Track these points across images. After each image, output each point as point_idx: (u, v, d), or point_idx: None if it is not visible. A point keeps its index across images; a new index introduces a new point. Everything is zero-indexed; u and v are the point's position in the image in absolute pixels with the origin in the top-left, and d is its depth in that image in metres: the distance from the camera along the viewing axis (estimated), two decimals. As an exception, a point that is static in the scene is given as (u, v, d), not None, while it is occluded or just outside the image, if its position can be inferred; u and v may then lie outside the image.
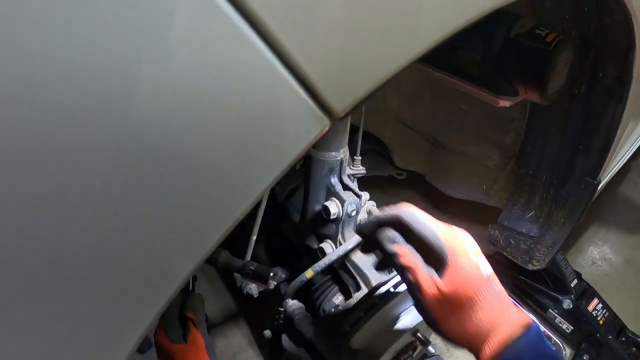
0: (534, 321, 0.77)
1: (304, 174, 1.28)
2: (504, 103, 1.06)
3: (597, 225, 2.88)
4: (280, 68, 0.51)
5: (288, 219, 1.54)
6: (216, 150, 0.51)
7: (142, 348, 1.96)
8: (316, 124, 0.57)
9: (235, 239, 1.49)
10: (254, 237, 1.32)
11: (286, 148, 0.56)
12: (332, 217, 1.20)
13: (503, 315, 0.75)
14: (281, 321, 1.29)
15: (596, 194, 1.65)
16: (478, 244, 0.81)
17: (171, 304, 1.13)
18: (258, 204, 1.31)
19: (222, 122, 0.50)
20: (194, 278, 1.39)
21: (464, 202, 2.14)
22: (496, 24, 1.00)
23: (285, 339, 1.28)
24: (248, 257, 1.35)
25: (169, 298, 0.56)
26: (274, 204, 1.58)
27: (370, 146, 2.11)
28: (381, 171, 2.24)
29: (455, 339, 0.80)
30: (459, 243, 0.79)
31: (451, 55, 1.06)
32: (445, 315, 0.78)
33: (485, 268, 0.78)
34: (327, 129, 0.58)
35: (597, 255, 2.73)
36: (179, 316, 1.16)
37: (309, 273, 1.19)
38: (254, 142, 0.53)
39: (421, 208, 0.87)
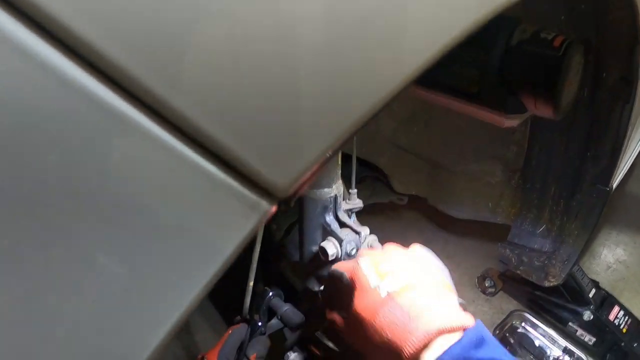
0: (471, 326, 0.74)
1: (297, 213, 1.19)
2: (511, 122, 0.95)
3: (608, 228, 2.82)
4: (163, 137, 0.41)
5: (287, 257, 1.45)
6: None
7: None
8: (249, 213, 0.46)
9: (233, 284, 1.42)
10: (251, 283, 1.25)
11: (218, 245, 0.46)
12: (330, 259, 1.11)
13: (408, 331, 0.73)
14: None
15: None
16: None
17: (235, 337, 1.16)
18: (252, 248, 1.23)
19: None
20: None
21: (470, 221, 2.07)
22: (494, 32, 0.88)
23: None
24: (246, 303, 1.27)
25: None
26: (271, 244, 1.50)
27: (366, 173, 2.03)
28: (381, 198, 2.16)
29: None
30: (358, 270, 0.84)
31: (445, 73, 0.95)
32: (357, 340, 0.84)
33: (387, 287, 0.79)
34: (271, 212, 0.47)
35: (611, 259, 2.66)
36: (239, 353, 1.17)
37: None
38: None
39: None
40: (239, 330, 1.22)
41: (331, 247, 1.11)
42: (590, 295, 2.06)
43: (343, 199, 1.18)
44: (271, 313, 1.24)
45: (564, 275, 1.72)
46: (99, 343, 0.44)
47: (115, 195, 0.40)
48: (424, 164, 1.97)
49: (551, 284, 1.76)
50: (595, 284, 2.12)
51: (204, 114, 0.41)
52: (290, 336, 1.15)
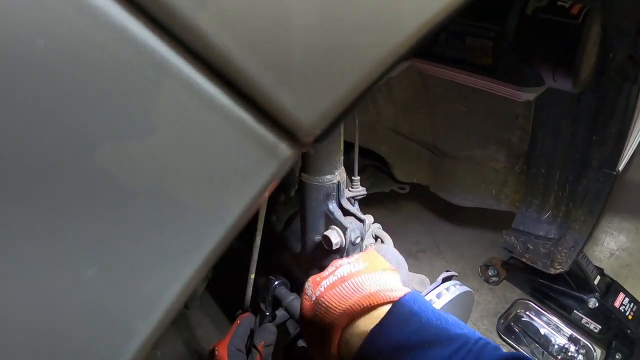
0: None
1: (299, 201, 1.16)
2: (529, 96, 0.91)
3: (610, 215, 2.81)
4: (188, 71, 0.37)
5: (288, 249, 1.42)
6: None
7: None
8: (269, 158, 0.42)
9: (234, 275, 1.39)
10: (252, 276, 1.22)
11: (229, 198, 0.42)
12: (334, 248, 1.08)
13: (331, 319, 0.80)
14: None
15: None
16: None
17: (244, 327, 1.15)
18: (252, 241, 1.20)
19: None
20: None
21: (472, 210, 2.05)
22: (508, 0, 0.85)
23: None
24: (248, 296, 1.24)
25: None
26: (271, 235, 1.46)
27: (367, 162, 2.00)
28: (382, 187, 2.13)
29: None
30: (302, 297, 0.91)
31: (457, 46, 0.91)
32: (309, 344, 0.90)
33: (316, 292, 0.86)
34: (291, 161, 0.43)
35: (614, 246, 2.65)
36: (248, 343, 1.17)
37: None
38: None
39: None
40: (247, 320, 1.20)
41: (335, 235, 1.08)
42: (595, 282, 2.03)
43: (346, 187, 1.15)
44: (276, 303, 1.21)
45: (570, 262, 1.69)
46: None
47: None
48: (425, 151, 1.94)
49: (557, 271, 1.73)
50: (600, 271, 2.09)
51: (232, 37, 0.37)
52: (295, 329, 1.12)
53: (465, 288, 1.18)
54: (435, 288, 1.13)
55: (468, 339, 0.72)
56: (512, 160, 1.73)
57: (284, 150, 0.42)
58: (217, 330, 2.04)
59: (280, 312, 1.20)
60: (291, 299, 1.18)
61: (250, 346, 1.17)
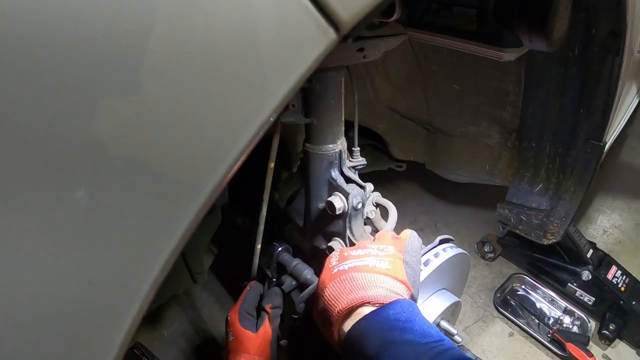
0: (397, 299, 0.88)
1: (302, 171, 1.21)
2: (509, 56, 1.00)
3: (602, 194, 2.87)
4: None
5: (291, 222, 1.47)
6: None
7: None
8: (321, 36, 0.51)
9: (240, 248, 1.45)
10: (259, 246, 1.27)
11: (290, 62, 0.51)
12: (337, 213, 1.14)
13: (339, 301, 0.89)
14: (297, 329, 1.23)
15: (603, 157, 1.61)
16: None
17: (252, 293, 1.22)
18: (258, 213, 1.25)
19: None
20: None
21: (467, 190, 2.10)
22: None
23: (302, 345, 1.22)
24: (255, 266, 1.30)
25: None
26: (274, 212, 1.52)
27: (366, 141, 2.05)
28: (380, 165, 2.18)
29: (324, 332, 0.96)
30: (329, 255, 1.02)
31: (445, 15, 1.00)
32: (317, 315, 0.98)
33: (339, 267, 0.95)
34: (333, 44, 0.52)
35: (607, 224, 2.70)
36: (257, 306, 1.23)
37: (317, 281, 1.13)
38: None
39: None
40: (256, 286, 1.26)
41: (338, 201, 1.14)
42: (588, 255, 2.09)
43: (346, 158, 1.21)
44: (281, 269, 1.27)
45: (562, 232, 1.74)
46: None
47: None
48: (421, 129, 2.00)
49: (550, 242, 1.78)
50: (593, 245, 2.15)
51: None
52: (299, 297, 1.17)
53: (461, 250, 1.24)
54: (432, 248, 1.19)
55: (443, 339, 0.81)
56: (504, 136, 1.78)
57: (332, 34, 0.51)
58: (222, 309, 2.09)
59: (286, 280, 1.26)
60: (295, 264, 1.24)
61: (259, 309, 1.23)
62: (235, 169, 0.52)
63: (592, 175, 1.62)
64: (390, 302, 0.87)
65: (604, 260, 2.12)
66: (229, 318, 1.21)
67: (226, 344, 1.20)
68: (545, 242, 1.79)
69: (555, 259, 2.15)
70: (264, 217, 1.24)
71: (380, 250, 0.99)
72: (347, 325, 0.88)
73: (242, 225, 1.64)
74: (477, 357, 1.11)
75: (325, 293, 0.93)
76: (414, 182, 2.88)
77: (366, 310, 0.88)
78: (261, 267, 1.30)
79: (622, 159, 3.13)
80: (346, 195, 1.14)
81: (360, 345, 0.83)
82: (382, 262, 0.95)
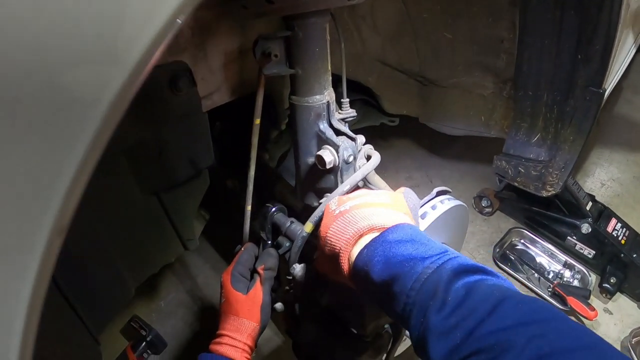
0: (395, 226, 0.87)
1: (289, 126, 1.16)
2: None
3: (600, 147, 2.85)
4: None
5: (283, 183, 1.43)
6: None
7: (158, 350, 1.90)
8: None
9: (232, 212, 1.40)
10: (249, 207, 1.22)
11: None
12: (328, 167, 1.09)
13: (344, 233, 0.89)
14: (292, 290, 1.19)
15: (602, 105, 1.56)
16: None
17: (246, 255, 1.18)
18: (246, 172, 1.20)
19: None
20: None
21: (462, 144, 2.06)
22: None
23: (299, 309, 1.18)
24: (246, 229, 1.25)
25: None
26: (265, 172, 1.47)
27: (356, 96, 1.99)
28: (372, 121, 2.12)
29: (332, 275, 0.97)
30: (327, 204, 1.01)
31: None
32: (321, 261, 0.99)
33: (340, 207, 0.96)
34: None
35: (605, 177, 2.68)
36: (252, 268, 1.21)
37: (307, 227, 1.08)
38: None
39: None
40: (250, 248, 1.23)
41: (328, 154, 1.09)
42: (588, 208, 2.06)
43: (335, 110, 1.15)
44: (275, 230, 1.22)
45: (561, 184, 1.70)
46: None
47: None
48: (413, 81, 1.94)
49: (549, 194, 1.74)
50: (592, 198, 2.12)
51: None
52: (295, 253, 1.13)
53: (458, 202, 1.19)
54: (429, 200, 1.15)
55: (446, 250, 0.80)
56: (499, 86, 1.73)
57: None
58: (218, 275, 2.05)
59: (282, 242, 1.22)
60: (290, 223, 1.19)
61: (252, 272, 1.19)
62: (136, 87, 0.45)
63: (592, 124, 1.58)
64: (391, 226, 0.87)
65: (603, 213, 2.09)
66: (222, 280, 1.19)
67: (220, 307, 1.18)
68: (544, 193, 1.75)
69: (554, 212, 2.12)
70: (252, 177, 1.19)
71: (377, 192, 1.00)
72: (354, 255, 0.88)
73: (232, 188, 1.59)
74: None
75: (330, 232, 0.92)
76: (407, 137, 2.85)
77: (372, 236, 0.88)
78: (254, 230, 1.26)
79: (618, 111, 3.10)
80: (336, 148, 1.09)
81: (367, 272, 0.83)
82: (383, 197, 0.97)
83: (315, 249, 1.04)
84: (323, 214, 1.01)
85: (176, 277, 2.13)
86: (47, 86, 0.40)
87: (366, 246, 0.86)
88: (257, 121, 1.14)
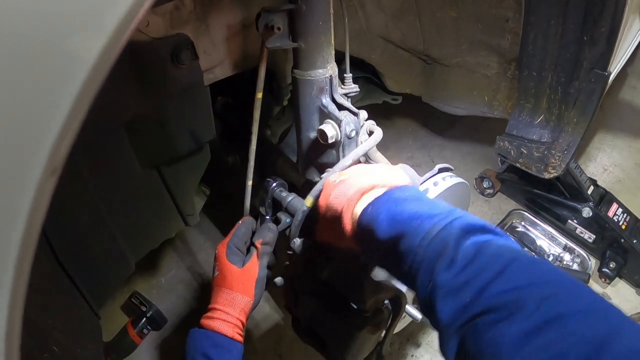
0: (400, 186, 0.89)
1: (291, 100, 1.16)
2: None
3: (603, 132, 2.83)
4: None
5: (284, 158, 1.42)
6: None
7: (158, 325, 1.91)
8: None
9: (234, 189, 1.40)
10: (250, 183, 1.22)
11: None
12: (330, 142, 1.08)
13: (347, 194, 0.89)
14: (291, 265, 1.18)
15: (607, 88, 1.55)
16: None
17: (244, 228, 1.17)
18: (248, 148, 1.20)
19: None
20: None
21: (465, 125, 2.04)
22: None
23: (298, 283, 1.18)
24: (247, 204, 1.25)
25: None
26: (267, 148, 1.46)
27: (359, 74, 1.97)
28: (374, 99, 2.11)
29: (336, 240, 0.96)
30: (326, 180, 0.99)
31: None
32: (322, 231, 0.99)
33: (340, 177, 0.95)
34: None
35: (607, 162, 2.67)
36: (249, 243, 1.19)
37: (308, 201, 1.07)
38: None
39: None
40: (248, 221, 1.21)
41: (330, 128, 1.08)
42: (589, 192, 2.05)
43: (338, 86, 1.14)
44: (276, 205, 1.22)
45: (564, 166, 1.70)
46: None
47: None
48: (417, 60, 1.92)
49: (551, 176, 1.74)
50: (594, 182, 2.11)
51: None
52: (295, 227, 1.12)
53: (461, 179, 1.19)
54: (432, 177, 1.15)
55: (453, 209, 0.78)
56: (503, 66, 1.72)
57: None
58: (218, 253, 2.07)
59: (282, 218, 1.21)
60: (291, 198, 1.19)
61: (249, 246, 1.18)
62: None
63: (596, 106, 1.57)
64: (396, 186, 0.88)
65: (604, 198, 2.09)
66: (216, 252, 1.17)
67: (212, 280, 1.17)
68: (547, 175, 1.74)
69: (555, 195, 2.11)
70: (254, 152, 1.19)
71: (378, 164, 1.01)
72: (358, 213, 0.87)
73: (234, 165, 1.59)
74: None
75: (331, 197, 0.92)
76: (410, 117, 2.83)
77: (376, 193, 0.87)
78: (255, 206, 1.26)
79: (622, 97, 3.08)
80: (338, 122, 1.08)
81: (372, 230, 0.81)
82: (383, 167, 0.97)
83: (316, 224, 1.04)
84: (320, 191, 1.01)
85: (177, 254, 2.13)
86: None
87: (371, 203, 0.85)
88: (259, 95, 1.13)
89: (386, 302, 1.14)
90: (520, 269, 0.63)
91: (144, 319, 1.91)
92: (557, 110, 1.64)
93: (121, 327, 1.90)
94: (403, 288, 1.11)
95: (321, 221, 0.98)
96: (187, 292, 2.02)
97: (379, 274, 1.05)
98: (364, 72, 1.98)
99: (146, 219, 1.37)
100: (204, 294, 2.00)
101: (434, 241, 0.72)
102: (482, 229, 0.72)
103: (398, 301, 1.13)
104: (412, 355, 1.98)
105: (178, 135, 1.25)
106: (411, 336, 2.02)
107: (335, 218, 0.91)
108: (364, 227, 0.84)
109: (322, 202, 0.95)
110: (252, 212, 1.27)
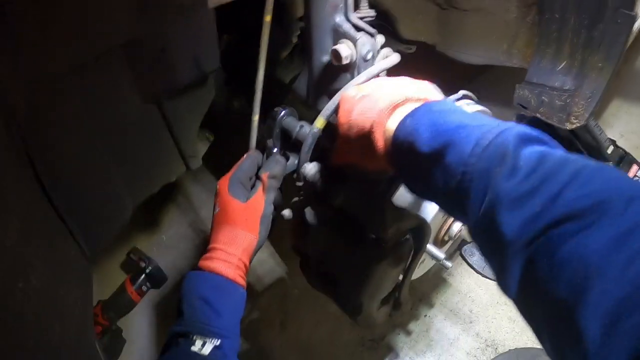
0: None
1: (303, 20, 1.08)
2: None
3: (619, 99, 2.80)
4: None
5: (293, 94, 1.34)
6: None
7: (158, 283, 1.84)
8: None
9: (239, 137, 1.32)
10: (256, 117, 1.14)
11: None
12: (344, 63, 1.00)
13: (376, 107, 0.82)
14: (301, 197, 1.10)
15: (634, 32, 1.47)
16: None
17: (248, 162, 1.08)
18: (253, 82, 1.11)
19: None
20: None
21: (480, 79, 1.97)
22: None
23: (309, 213, 1.09)
24: (253, 141, 1.17)
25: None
26: (274, 83, 1.38)
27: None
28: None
29: (361, 161, 0.90)
30: (344, 93, 0.94)
31: None
32: (344, 143, 0.91)
33: (362, 91, 0.90)
34: None
35: (624, 129, 2.64)
36: (253, 177, 1.12)
37: (318, 122, 0.99)
38: None
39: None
40: (254, 155, 1.12)
41: (345, 48, 1.00)
42: (609, 152, 1.98)
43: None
44: (285, 137, 1.14)
45: (587, 115, 1.61)
46: None
47: None
48: (432, 5, 1.83)
49: (573, 126, 1.65)
50: (613, 142, 2.03)
51: None
52: (305, 153, 1.04)
53: (484, 107, 1.12)
54: (456, 100, 1.07)
55: (500, 122, 0.69)
56: (523, 10, 1.62)
57: None
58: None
59: (290, 157, 1.13)
60: (300, 127, 1.11)
61: (255, 179, 1.10)
62: None
63: (622, 50, 1.48)
64: (433, 100, 0.82)
65: (624, 159, 2.01)
66: (217, 187, 1.08)
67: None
68: (569, 126, 1.66)
69: (574, 153, 2.03)
70: (261, 82, 1.10)
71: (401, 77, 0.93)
72: (392, 127, 0.80)
73: (239, 109, 1.51)
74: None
75: (355, 112, 0.86)
76: (423, 68, 2.72)
77: (410, 107, 0.80)
78: (261, 142, 1.18)
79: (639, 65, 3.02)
80: (354, 41, 1.00)
81: (411, 143, 0.74)
82: (408, 80, 0.91)
83: (327, 150, 0.96)
84: (338, 106, 0.93)
85: (179, 210, 2.07)
86: None
87: (409, 115, 0.77)
88: (268, 18, 1.05)
89: (407, 236, 1.05)
90: (593, 174, 0.55)
91: (143, 275, 1.85)
92: (580, 56, 1.55)
93: (119, 285, 1.84)
94: (427, 217, 1.03)
95: (341, 141, 0.90)
96: (188, 249, 1.96)
97: (402, 199, 0.96)
98: (377, 20, 1.89)
99: (145, 158, 1.28)
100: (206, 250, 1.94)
101: (489, 149, 0.63)
102: (539, 140, 0.65)
103: (421, 232, 1.04)
104: (426, 315, 1.92)
105: (180, 63, 1.16)
106: (424, 296, 1.96)
107: (362, 135, 0.83)
108: (401, 141, 0.76)
109: (342, 119, 0.88)
110: (258, 147, 1.19)
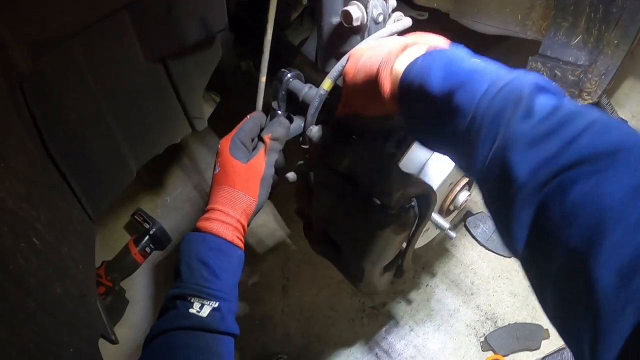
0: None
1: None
2: None
3: (632, 80, 2.75)
4: None
5: (302, 56, 1.32)
6: None
7: (162, 245, 1.84)
8: None
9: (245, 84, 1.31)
10: (263, 79, 1.12)
11: None
12: (355, 24, 0.98)
13: (387, 51, 0.82)
14: (306, 160, 1.09)
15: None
16: None
17: (251, 122, 1.06)
18: (261, 44, 1.09)
19: None
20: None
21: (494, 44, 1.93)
22: None
23: (314, 177, 1.08)
24: (259, 103, 1.15)
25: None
26: (283, 45, 1.36)
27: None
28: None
29: (367, 104, 0.89)
30: (354, 50, 0.95)
31: None
32: (354, 88, 0.89)
33: (372, 40, 0.95)
34: None
35: (636, 109, 2.60)
36: (255, 139, 1.09)
37: (326, 83, 0.98)
38: None
39: None
40: (257, 116, 1.10)
41: (356, 9, 0.98)
42: (620, 131, 1.95)
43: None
44: (290, 100, 1.12)
45: (599, 92, 1.58)
46: None
47: None
48: (448, -28, 1.80)
49: (585, 102, 1.62)
50: (624, 122, 2.00)
51: None
52: (311, 115, 1.03)
53: None
54: None
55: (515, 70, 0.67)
56: (541, -19, 1.59)
57: None
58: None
59: (295, 121, 1.11)
60: (307, 89, 1.09)
61: (257, 141, 1.09)
62: None
63: (640, 28, 1.45)
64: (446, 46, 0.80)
65: (636, 138, 1.98)
66: (219, 146, 1.06)
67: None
68: (581, 102, 1.63)
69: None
70: (269, 42, 1.08)
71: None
72: (401, 65, 0.78)
73: (247, 71, 1.49)
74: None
75: (364, 58, 0.85)
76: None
77: (421, 49, 0.79)
78: (267, 104, 1.16)
79: (653, 45, 2.98)
80: (365, 3, 0.98)
81: (421, 83, 0.72)
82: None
83: (333, 112, 0.95)
84: (344, 66, 0.92)
85: (183, 172, 2.06)
86: None
87: (421, 56, 0.75)
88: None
89: (413, 203, 1.04)
90: (610, 125, 0.53)
91: (147, 236, 1.85)
92: (597, 31, 1.52)
93: (123, 246, 1.85)
94: (434, 184, 1.02)
95: (347, 89, 0.91)
96: (193, 211, 1.96)
97: (409, 164, 0.95)
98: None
99: (149, 118, 1.27)
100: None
101: (504, 91, 0.61)
102: (555, 90, 0.62)
103: (427, 199, 1.02)
104: (427, 285, 1.92)
105: (187, 22, 1.14)
106: (426, 265, 1.96)
107: (369, 79, 0.83)
108: (410, 81, 0.74)
109: (349, 69, 0.88)
110: (264, 110, 1.17)
